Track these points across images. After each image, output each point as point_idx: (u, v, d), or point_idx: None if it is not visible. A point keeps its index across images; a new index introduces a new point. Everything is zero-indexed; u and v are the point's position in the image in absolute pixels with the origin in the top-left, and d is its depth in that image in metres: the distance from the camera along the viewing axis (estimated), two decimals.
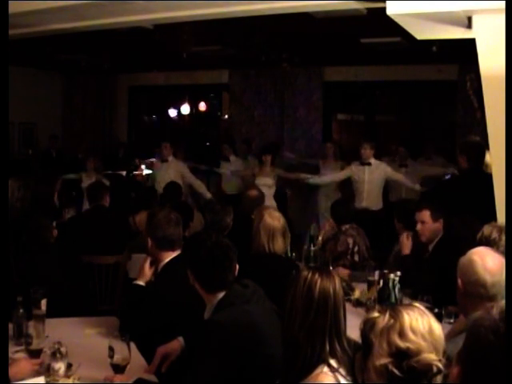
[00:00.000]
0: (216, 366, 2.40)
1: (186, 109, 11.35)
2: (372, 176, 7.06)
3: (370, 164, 7.08)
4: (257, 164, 8.27)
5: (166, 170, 7.91)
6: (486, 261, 2.44)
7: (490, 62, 3.79)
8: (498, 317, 1.35)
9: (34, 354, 2.71)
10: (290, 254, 4.66)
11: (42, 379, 2.49)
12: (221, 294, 2.62)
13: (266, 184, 7.47)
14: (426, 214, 4.20)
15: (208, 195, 7.61)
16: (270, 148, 8.12)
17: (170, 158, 8.04)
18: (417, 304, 1.76)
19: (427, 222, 4.19)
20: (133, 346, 2.70)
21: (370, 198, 7.04)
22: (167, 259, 3.25)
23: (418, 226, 4.22)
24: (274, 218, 3.85)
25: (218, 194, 8.57)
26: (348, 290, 3.84)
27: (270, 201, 7.39)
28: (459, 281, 2.49)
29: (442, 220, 4.20)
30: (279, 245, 3.80)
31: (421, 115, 9.93)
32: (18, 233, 4.12)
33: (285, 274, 3.45)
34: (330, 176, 7.75)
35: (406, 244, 4.29)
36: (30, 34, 5.53)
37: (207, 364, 2.42)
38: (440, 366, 1.61)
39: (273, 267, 3.66)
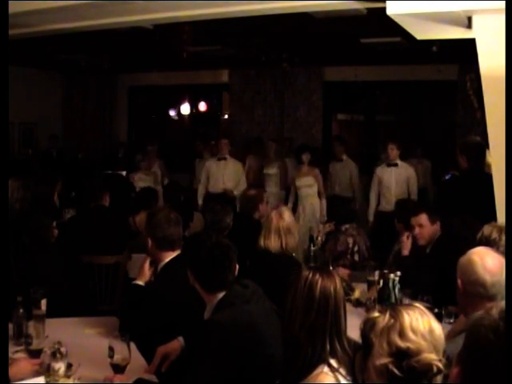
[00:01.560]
0: (216, 366, 2.40)
1: (186, 109, 11.35)
2: (400, 177, 6.90)
3: (396, 165, 6.92)
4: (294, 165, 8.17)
5: (223, 169, 7.58)
6: (486, 261, 2.44)
7: (490, 61, 3.79)
8: (498, 316, 1.35)
9: (34, 354, 2.71)
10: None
11: (42, 379, 2.49)
12: (221, 294, 2.62)
13: (307, 184, 7.30)
14: (423, 218, 4.20)
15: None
16: (308, 147, 7.87)
17: (228, 156, 7.67)
18: (417, 304, 1.76)
19: (425, 226, 4.19)
20: (133, 346, 2.70)
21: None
22: (167, 259, 3.24)
23: (416, 230, 4.21)
24: (277, 217, 4.00)
25: None
26: (348, 290, 3.84)
27: (312, 199, 7.32)
28: (459, 281, 2.49)
29: (438, 222, 4.21)
30: (271, 242, 3.96)
31: (421, 115, 9.93)
32: (18, 233, 4.12)
33: (273, 269, 3.72)
34: (373, 199, 7.25)
35: (406, 244, 4.29)
36: (30, 33, 5.53)
37: (207, 364, 2.42)
38: (440, 365, 1.61)
39: (267, 263, 3.89)
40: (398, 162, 6.94)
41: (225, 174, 7.42)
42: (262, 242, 4.01)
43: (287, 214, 4.08)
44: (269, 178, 8.04)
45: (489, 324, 1.34)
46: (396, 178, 6.90)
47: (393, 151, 6.91)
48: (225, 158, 7.64)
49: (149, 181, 8.08)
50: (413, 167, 7.23)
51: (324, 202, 7.36)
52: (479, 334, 1.34)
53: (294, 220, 4.15)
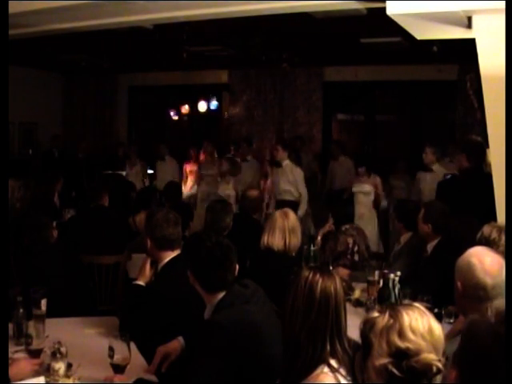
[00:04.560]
0: (216, 366, 2.40)
1: (186, 109, 11.35)
2: None
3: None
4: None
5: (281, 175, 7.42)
6: (485, 263, 2.40)
7: (490, 61, 3.79)
8: (494, 319, 1.34)
9: (34, 353, 2.70)
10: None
11: (42, 379, 2.49)
12: (221, 294, 2.62)
13: (363, 191, 7.08)
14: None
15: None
16: (365, 159, 7.63)
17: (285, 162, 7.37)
18: (417, 304, 1.76)
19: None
20: (133, 346, 2.70)
21: None
22: (167, 259, 3.24)
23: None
24: (283, 217, 4.06)
25: None
26: (348, 290, 3.84)
27: (366, 209, 7.02)
28: (458, 283, 2.45)
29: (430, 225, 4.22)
30: (275, 240, 3.99)
31: (421, 115, 9.93)
32: (18, 233, 4.11)
33: (274, 268, 3.76)
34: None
35: None
36: (30, 34, 5.53)
37: (207, 364, 2.42)
38: (440, 365, 1.61)
39: (269, 262, 3.92)
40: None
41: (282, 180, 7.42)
42: (265, 240, 4.03)
43: (292, 215, 4.15)
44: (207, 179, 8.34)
45: (485, 329, 1.33)
46: None
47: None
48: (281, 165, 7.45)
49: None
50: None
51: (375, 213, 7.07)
52: (476, 340, 1.34)
53: (298, 221, 4.18)
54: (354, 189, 7.20)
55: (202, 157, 8.94)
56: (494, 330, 1.31)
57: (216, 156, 8.89)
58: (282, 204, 6.62)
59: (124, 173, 9.36)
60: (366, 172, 7.09)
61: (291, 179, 7.22)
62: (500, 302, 1.45)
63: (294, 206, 7.00)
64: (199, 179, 8.53)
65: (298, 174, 7.26)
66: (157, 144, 9.50)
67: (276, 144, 7.53)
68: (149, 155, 9.68)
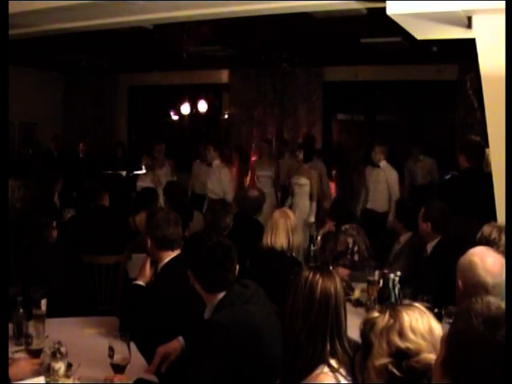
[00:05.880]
0: (216, 366, 2.40)
1: (186, 109, 11.34)
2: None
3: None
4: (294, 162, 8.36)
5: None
6: (487, 262, 2.41)
7: (490, 61, 3.79)
8: (483, 327, 1.31)
9: (34, 353, 2.70)
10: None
11: (42, 379, 2.48)
12: (221, 294, 2.61)
13: (299, 183, 7.39)
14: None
15: None
16: (303, 143, 8.00)
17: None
18: (417, 304, 1.76)
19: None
20: (133, 346, 2.69)
21: None
22: (167, 259, 3.24)
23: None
24: (285, 216, 4.07)
25: None
26: (348, 290, 3.84)
27: (301, 199, 7.37)
28: (459, 282, 2.46)
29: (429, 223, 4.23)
30: (279, 240, 4.01)
31: (421, 115, 9.93)
32: (18, 233, 4.11)
33: (276, 269, 3.76)
34: None
35: None
36: (30, 33, 5.53)
37: (207, 364, 2.41)
38: None
39: (271, 262, 3.93)
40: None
41: None
42: (268, 241, 4.04)
43: (291, 214, 4.18)
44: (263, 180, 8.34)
45: (480, 340, 1.29)
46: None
47: None
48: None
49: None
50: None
51: (314, 204, 7.39)
52: (471, 352, 1.30)
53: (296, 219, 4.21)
54: (292, 180, 7.62)
55: (253, 157, 8.85)
56: (489, 341, 1.28)
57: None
58: (211, 202, 6.77)
59: (120, 173, 9.28)
60: (304, 158, 7.48)
61: (218, 179, 7.56)
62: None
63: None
64: (252, 180, 8.49)
65: (224, 174, 7.62)
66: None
67: (208, 144, 7.85)
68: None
